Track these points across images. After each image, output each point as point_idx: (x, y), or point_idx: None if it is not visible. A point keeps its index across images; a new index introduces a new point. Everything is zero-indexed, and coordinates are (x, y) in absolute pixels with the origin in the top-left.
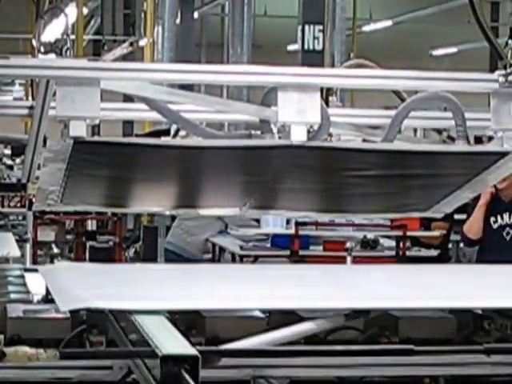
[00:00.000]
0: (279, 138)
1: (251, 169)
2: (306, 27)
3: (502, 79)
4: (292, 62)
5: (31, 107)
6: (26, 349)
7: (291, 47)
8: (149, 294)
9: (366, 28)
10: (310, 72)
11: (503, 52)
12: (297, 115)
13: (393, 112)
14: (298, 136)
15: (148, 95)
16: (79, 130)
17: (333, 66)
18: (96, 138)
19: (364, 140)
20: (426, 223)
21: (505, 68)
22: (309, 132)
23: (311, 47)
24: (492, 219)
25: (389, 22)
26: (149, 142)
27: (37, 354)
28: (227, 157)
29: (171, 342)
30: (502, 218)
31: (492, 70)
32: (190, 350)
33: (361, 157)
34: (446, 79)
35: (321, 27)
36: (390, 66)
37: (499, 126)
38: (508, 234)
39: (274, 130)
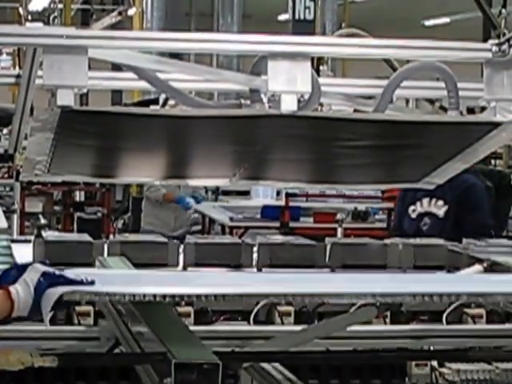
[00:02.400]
0: (269, 107)
1: (241, 139)
2: None
3: (495, 48)
4: (283, 32)
5: (18, 76)
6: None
7: (282, 17)
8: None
9: None
10: (300, 41)
11: (497, 21)
12: (287, 84)
13: (384, 82)
14: (288, 105)
15: (136, 64)
16: (66, 99)
17: (324, 35)
18: (84, 108)
19: (355, 110)
20: None
21: (498, 37)
22: (299, 102)
23: (302, 17)
24: (411, 208)
25: None
26: (137, 111)
27: (31, 360)
28: (216, 126)
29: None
30: (422, 204)
31: (485, 40)
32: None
33: (351, 127)
34: (439, 48)
35: None
36: (381, 37)
37: (492, 96)
38: (425, 224)
39: (264, 100)
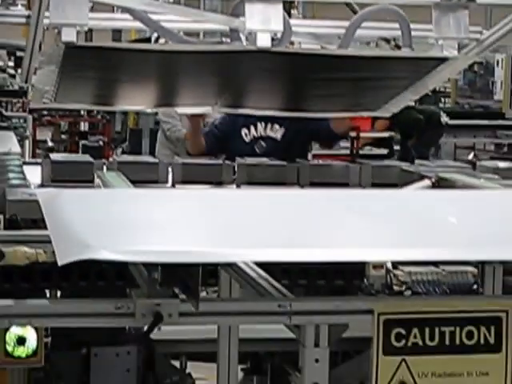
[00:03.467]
0: (246, 44)
1: (222, 71)
2: None
3: None
4: None
5: (28, 16)
6: (25, 248)
7: None
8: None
9: None
10: None
11: None
12: (262, 24)
13: (347, 23)
14: (263, 42)
15: (131, 6)
16: (70, 35)
17: None
18: (85, 43)
19: (322, 48)
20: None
21: None
22: (273, 39)
23: None
24: (244, 131)
25: None
26: (131, 46)
27: (36, 254)
28: (200, 61)
29: None
30: (256, 128)
31: None
32: None
33: (318, 61)
34: None
35: None
36: None
37: (440, 35)
38: (261, 147)
39: (243, 38)
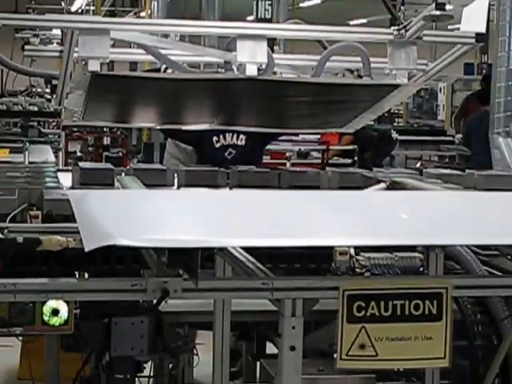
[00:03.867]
0: (238, 73)
1: (218, 95)
2: (260, 2)
3: (395, 32)
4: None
5: (61, 51)
6: (58, 237)
7: (249, 18)
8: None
9: (302, 4)
10: (259, 26)
11: (398, 15)
12: (250, 57)
13: (319, 57)
14: (251, 72)
15: (144, 43)
16: (95, 66)
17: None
18: (107, 72)
19: (298, 76)
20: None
21: (398, 26)
22: (259, 70)
23: (263, 16)
24: (214, 139)
25: (318, 1)
26: (144, 74)
27: (67, 242)
28: (200, 87)
29: None
30: (225, 138)
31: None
32: None
33: (295, 87)
34: (357, 32)
35: (270, 2)
36: None
37: (393, 66)
38: (230, 153)
39: (234, 69)
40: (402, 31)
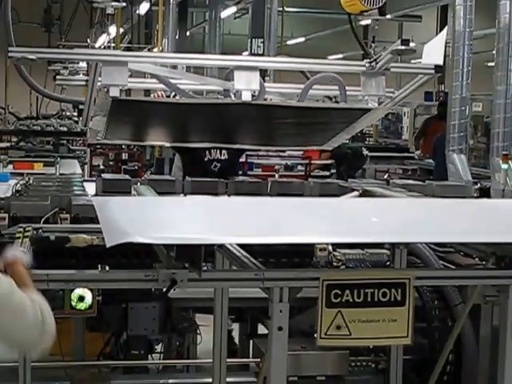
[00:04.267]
0: (234, 98)
1: (218, 118)
2: (253, 40)
3: (367, 65)
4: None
5: (86, 80)
6: (84, 236)
7: (245, 53)
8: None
9: (289, 42)
10: (252, 59)
11: (369, 51)
12: (245, 85)
13: (302, 86)
14: (246, 97)
15: (157, 73)
16: (115, 92)
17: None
18: (125, 97)
19: (285, 101)
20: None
21: (369, 59)
22: (252, 96)
23: (256, 52)
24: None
25: (302, 39)
26: (157, 100)
27: (91, 240)
28: (204, 110)
29: None
30: (210, 153)
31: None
32: None
33: (283, 111)
34: (335, 64)
35: (262, 40)
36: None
37: (366, 93)
38: (215, 166)
39: (232, 96)
40: (373, 63)
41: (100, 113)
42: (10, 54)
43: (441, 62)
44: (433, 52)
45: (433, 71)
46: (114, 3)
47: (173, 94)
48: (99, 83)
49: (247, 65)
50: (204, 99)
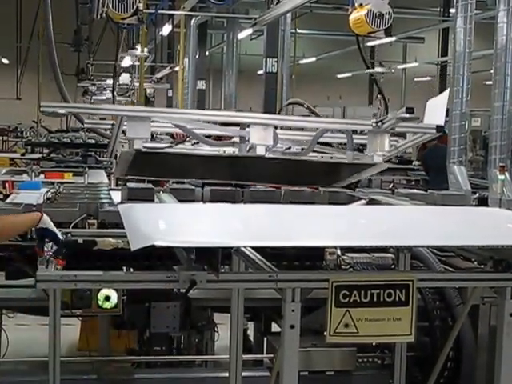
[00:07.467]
0: (249, 151)
1: (235, 166)
2: (268, 60)
3: (374, 124)
4: (259, 82)
5: (112, 124)
6: (110, 239)
7: (260, 72)
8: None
9: (301, 61)
10: (267, 117)
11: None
12: (260, 140)
13: (313, 134)
14: (260, 151)
15: (180, 123)
16: (138, 145)
17: (282, 83)
18: (146, 150)
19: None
20: None
21: (376, 119)
22: (266, 149)
23: (270, 71)
24: None
25: (313, 58)
26: (171, 151)
27: (117, 243)
28: (220, 161)
29: None
30: None
31: (370, 88)
32: None
33: (288, 163)
34: (345, 123)
35: (276, 59)
36: (314, 84)
37: (371, 149)
38: None
39: (246, 149)
40: (379, 123)
41: (124, 160)
42: (42, 109)
43: (442, 123)
44: (435, 112)
45: (434, 131)
46: (134, 21)
47: (193, 140)
48: (123, 135)
49: (261, 122)
50: (220, 148)
